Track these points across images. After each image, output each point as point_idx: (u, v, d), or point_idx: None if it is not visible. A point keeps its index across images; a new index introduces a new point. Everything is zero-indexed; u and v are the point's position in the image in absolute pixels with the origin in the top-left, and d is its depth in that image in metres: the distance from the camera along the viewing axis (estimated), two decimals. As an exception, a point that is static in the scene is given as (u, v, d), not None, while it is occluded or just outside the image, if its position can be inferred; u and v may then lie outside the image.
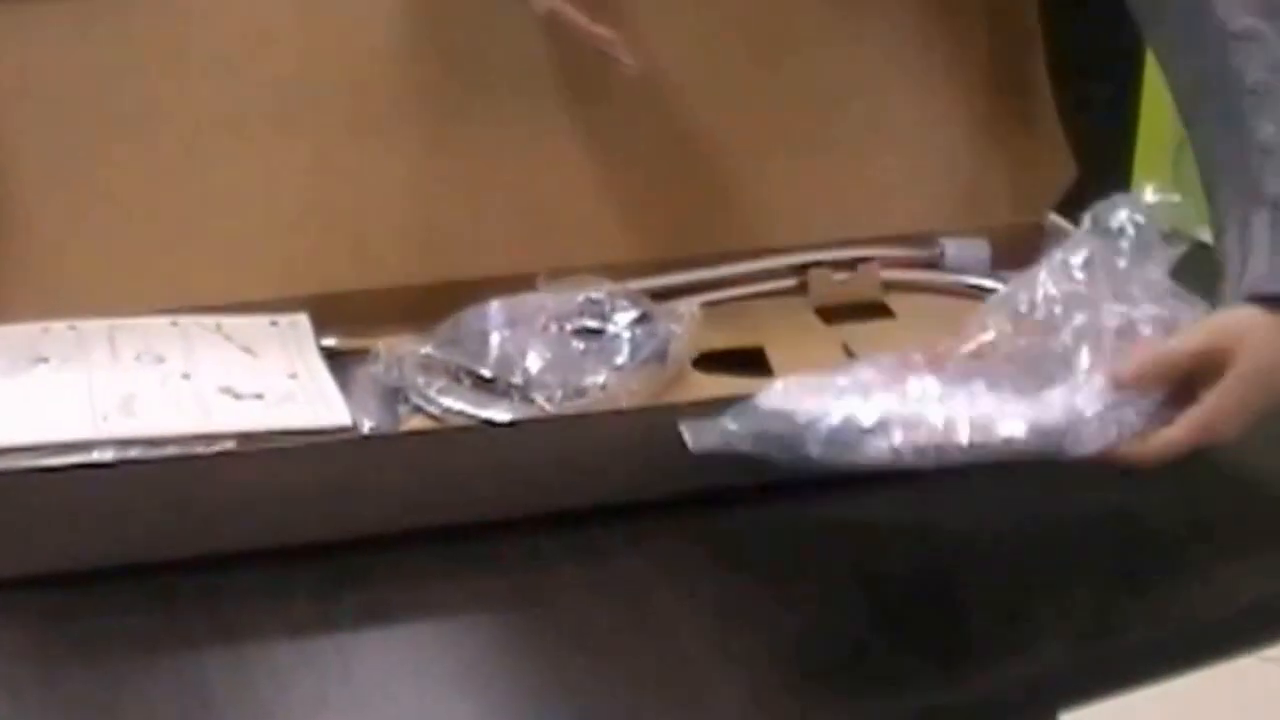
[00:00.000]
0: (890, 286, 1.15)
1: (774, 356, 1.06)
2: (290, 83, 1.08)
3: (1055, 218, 1.19)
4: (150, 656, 0.83)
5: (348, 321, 1.05)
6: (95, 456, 0.89)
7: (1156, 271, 0.94)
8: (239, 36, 1.08)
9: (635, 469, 0.92)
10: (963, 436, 0.85)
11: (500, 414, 0.97)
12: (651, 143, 1.13)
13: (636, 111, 1.13)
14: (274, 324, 1.04)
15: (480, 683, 0.83)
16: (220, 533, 0.87)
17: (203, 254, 1.06)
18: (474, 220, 1.10)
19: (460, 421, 0.97)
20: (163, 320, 1.03)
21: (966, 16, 1.20)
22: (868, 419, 0.84)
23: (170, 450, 0.90)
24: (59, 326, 1.01)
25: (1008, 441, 0.85)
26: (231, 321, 1.04)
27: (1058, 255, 0.94)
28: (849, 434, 0.85)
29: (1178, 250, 0.96)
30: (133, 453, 0.90)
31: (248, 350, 1.01)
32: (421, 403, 0.99)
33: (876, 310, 1.13)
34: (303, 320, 1.05)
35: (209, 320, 1.03)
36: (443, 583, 0.88)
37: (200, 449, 0.91)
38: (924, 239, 1.17)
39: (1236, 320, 0.92)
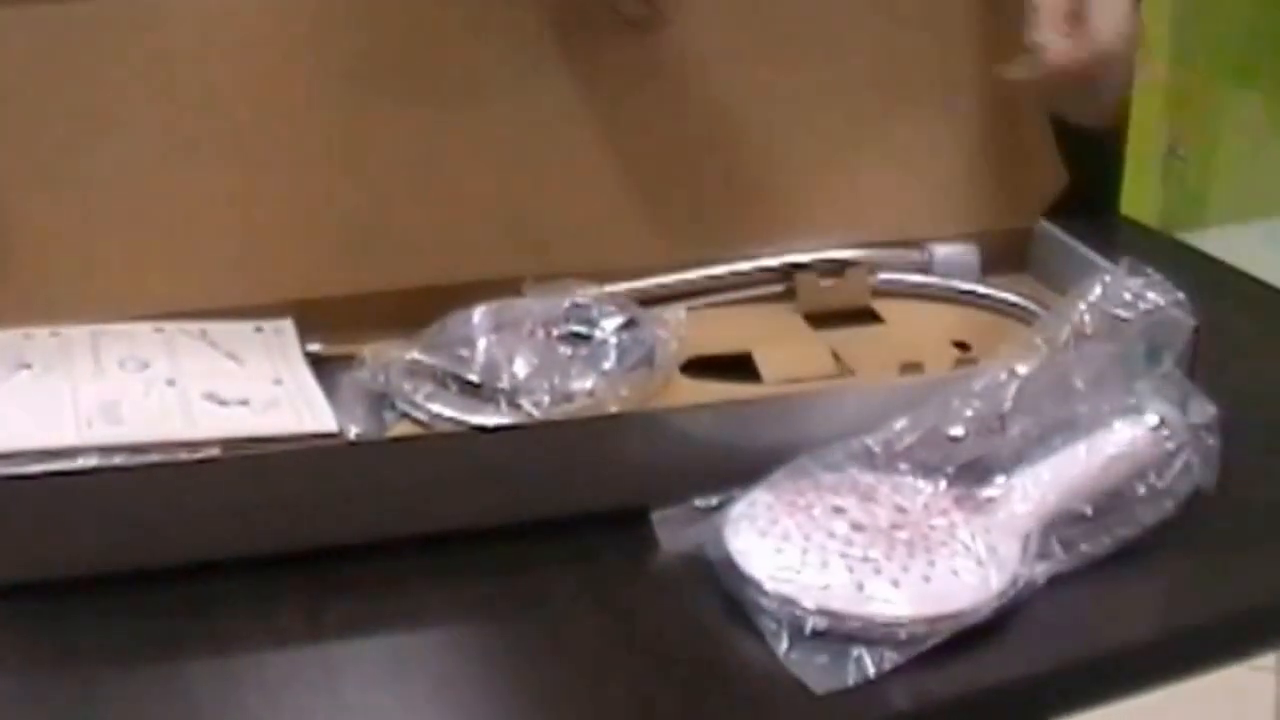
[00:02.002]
0: (878, 292, 1.14)
1: (762, 362, 1.05)
2: (270, 86, 1.07)
3: (1045, 223, 1.19)
4: (134, 666, 0.82)
5: (332, 327, 1.04)
6: (79, 463, 0.88)
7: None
8: (217, 41, 1.07)
9: (625, 474, 0.91)
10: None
11: (488, 419, 0.96)
12: (637, 148, 1.13)
13: (622, 117, 1.12)
14: (258, 330, 1.03)
15: (468, 692, 0.82)
16: (206, 541, 0.86)
17: (185, 260, 1.06)
18: (459, 224, 1.09)
19: (448, 427, 0.96)
20: (146, 326, 1.02)
21: (954, 23, 1.20)
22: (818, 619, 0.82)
23: (154, 457, 0.89)
24: (41, 333, 1.00)
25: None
26: (216, 327, 1.03)
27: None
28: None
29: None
30: (116, 460, 0.89)
31: (232, 356, 1.00)
32: (408, 408, 0.98)
33: (865, 316, 1.13)
34: (287, 326, 1.04)
35: (193, 326, 1.02)
36: (430, 590, 0.88)
37: (184, 455, 0.89)
38: (912, 244, 1.17)
39: None
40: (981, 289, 1.15)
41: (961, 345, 1.08)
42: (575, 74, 1.11)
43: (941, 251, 1.16)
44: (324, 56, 1.08)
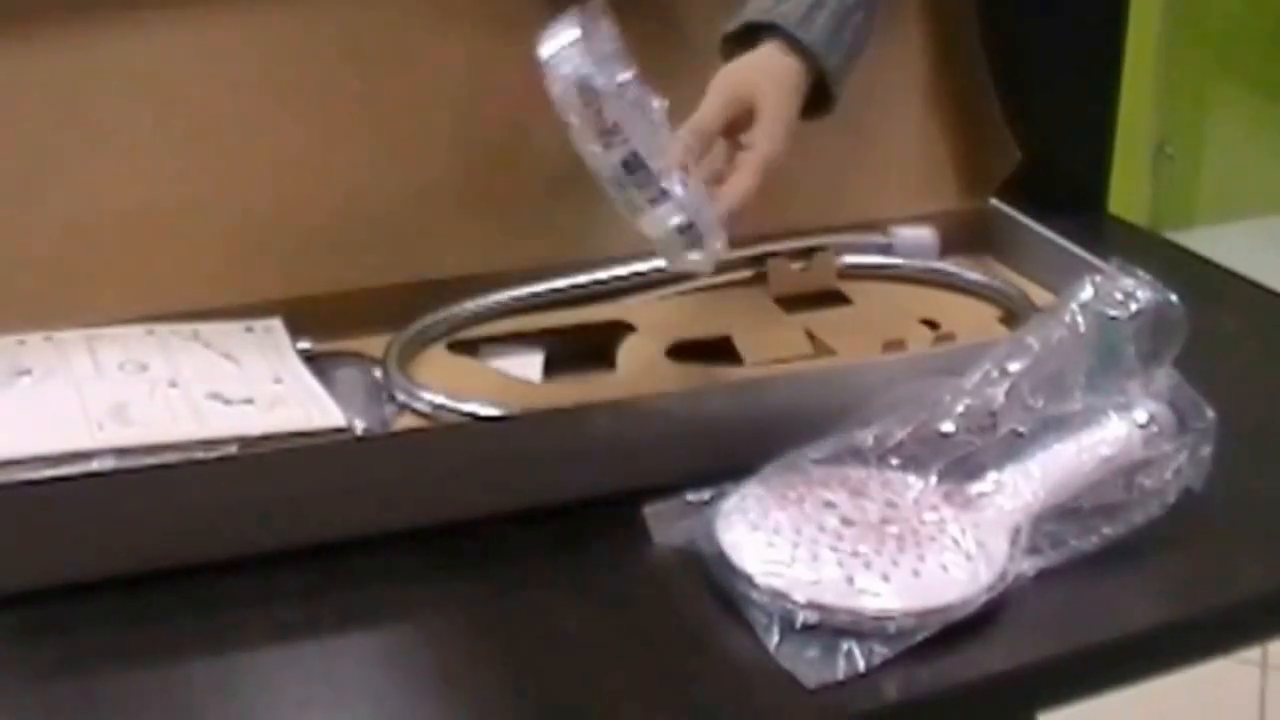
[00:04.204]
0: (844, 275, 1.18)
1: (743, 345, 1.08)
2: (254, 86, 1.09)
3: (996, 203, 1.23)
4: (136, 662, 0.84)
5: (318, 325, 1.06)
6: (95, 466, 0.90)
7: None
8: (201, 44, 1.08)
9: (623, 460, 0.93)
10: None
11: (484, 409, 0.99)
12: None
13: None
14: (249, 330, 1.05)
15: (462, 681, 0.83)
16: (217, 539, 0.88)
17: (170, 262, 1.07)
18: (441, 220, 1.11)
19: (449, 418, 0.99)
20: (139, 329, 1.03)
21: (905, 8, 1.24)
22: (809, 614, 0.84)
23: (170, 457, 0.91)
24: (35, 338, 1.01)
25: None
26: (208, 328, 1.04)
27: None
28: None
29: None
30: (133, 461, 0.90)
31: (228, 357, 1.02)
32: (407, 400, 1.00)
33: (833, 298, 1.16)
34: (276, 325, 1.06)
35: (185, 328, 1.04)
36: (426, 582, 0.90)
37: (200, 455, 0.91)
38: (874, 227, 1.21)
39: (740, 65, 1.02)
40: (945, 268, 1.19)
41: (930, 323, 1.13)
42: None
43: (902, 234, 1.21)
44: (305, 61, 1.10)
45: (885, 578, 0.84)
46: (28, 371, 0.98)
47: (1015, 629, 0.85)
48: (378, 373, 1.03)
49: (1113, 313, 0.94)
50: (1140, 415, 0.92)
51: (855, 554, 0.86)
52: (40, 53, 1.05)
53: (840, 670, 0.81)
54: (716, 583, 0.87)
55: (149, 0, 1.07)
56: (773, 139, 1.00)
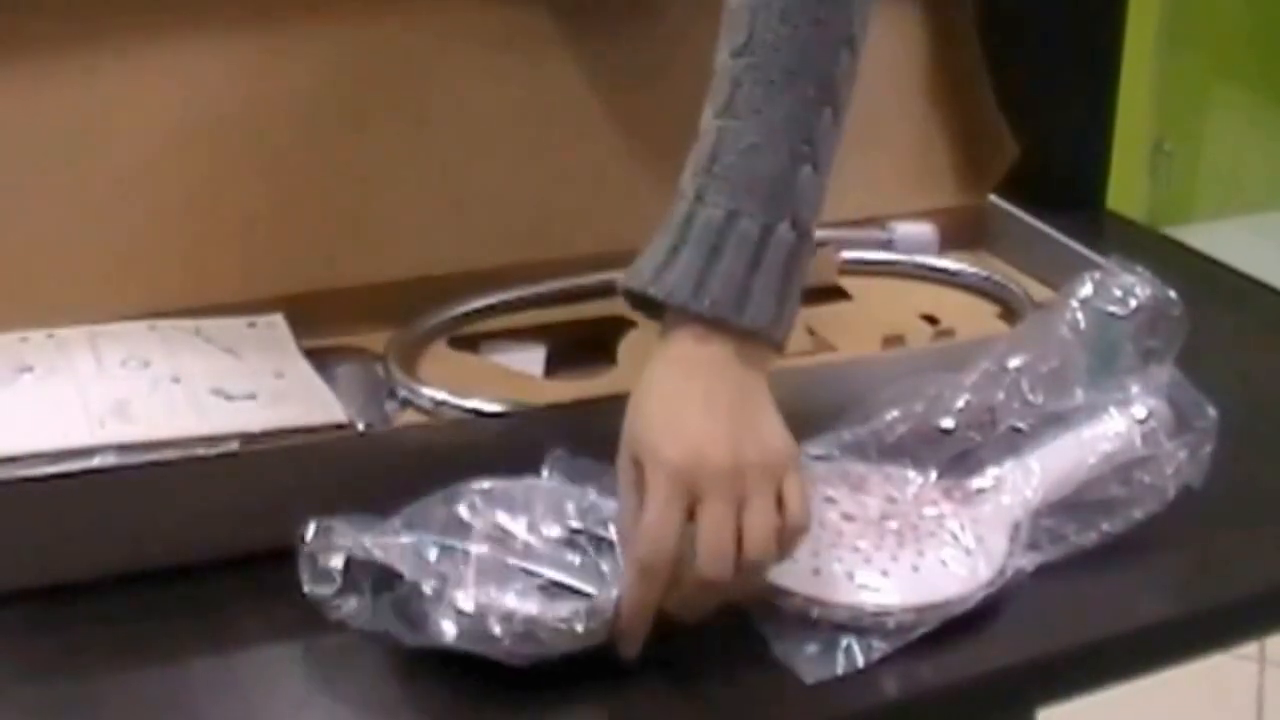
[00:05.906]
0: (844, 270, 1.18)
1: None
2: (258, 88, 1.09)
3: (995, 199, 1.23)
4: (136, 660, 0.84)
5: (319, 321, 1.06)
6: (97, 462, 0.90)
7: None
8: (203, 48, 1.09)
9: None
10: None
11: (486, 405, 0.99)
12: (613, 135, 1.15)
13: (600, 105, 1.15)
14: (251, 325, 1.05)
15: (462, 681, 0.83)
16: (222, 536, 0.89)
17: (171, 258, 1.07)
18: (445, 216, 1.11)
19: (452, 414, 0.99)
20: (141, 325, 1.03)
21: (903, 5, 1.24)
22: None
23: (172, 453, 0.91)
24: (37, 335, 1.01)
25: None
26: (209, 324, 1.04)
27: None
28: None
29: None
30: (135, 457, 0.90)
31: (230, 352, 1.02)
32: (410, 396, 1.00)
33: (833, 293, 1.16)
34: (279, 321, 1.06)
35: (187, 324, 1.04)
36: None
37: (202, 451, 0.92)
38: (873, 223, 1.21)
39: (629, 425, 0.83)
40: (945, 264, 1.19)
41: (930, 319, 1.13)
42: (567, 64, 1.13)
43: (902, 229, 1.21)
44: (299, 65, 1.10)
45: (885, 573, 0.85)
46: (30, 368, 0.98)
47: (1014, 624, 0.86)
48: (379, 369, 1.03)
49: (1112, 309, 0.94)
50: (1139, 411, 0.92)
51: (855, 549, 0.86)
52: (46, 53, 1.06)
53: (839, 666, 0.81)
54: None
55: (151, 6, 1.07)
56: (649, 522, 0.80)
